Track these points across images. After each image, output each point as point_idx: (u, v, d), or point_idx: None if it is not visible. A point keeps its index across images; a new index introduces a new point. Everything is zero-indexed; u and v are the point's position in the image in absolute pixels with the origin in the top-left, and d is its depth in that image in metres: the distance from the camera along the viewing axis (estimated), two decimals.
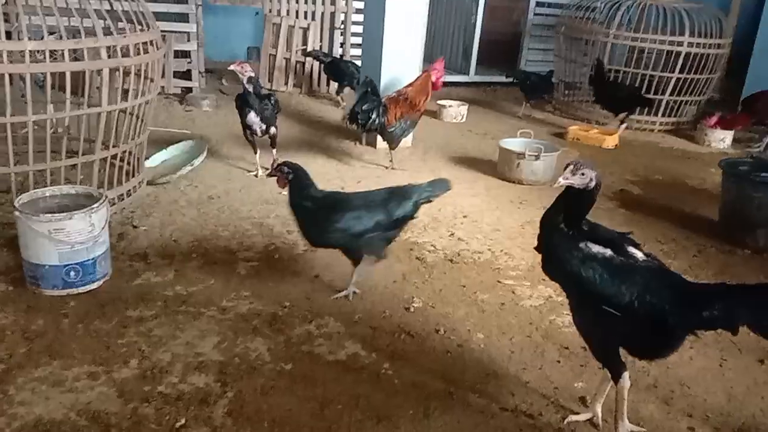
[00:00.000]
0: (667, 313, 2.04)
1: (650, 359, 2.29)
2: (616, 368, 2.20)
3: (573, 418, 2.37)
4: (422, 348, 2.73)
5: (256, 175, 4.70)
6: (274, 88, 7.47)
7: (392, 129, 5.04)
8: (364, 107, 4.93)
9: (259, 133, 4.63)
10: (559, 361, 2.71)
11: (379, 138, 5.62)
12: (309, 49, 7.57)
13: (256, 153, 4.71)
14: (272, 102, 4.64)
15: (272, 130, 4.67)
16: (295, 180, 3.08)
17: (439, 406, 2.37)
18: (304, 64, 7.66)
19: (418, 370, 2.58)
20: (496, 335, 2.88)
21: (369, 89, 5.00)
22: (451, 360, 2.67)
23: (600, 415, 2.35)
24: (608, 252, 2.14)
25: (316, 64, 7.68)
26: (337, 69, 7.08)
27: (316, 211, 3.01)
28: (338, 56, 7.66)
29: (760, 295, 2.01)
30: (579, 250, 2.15)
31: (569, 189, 2.19)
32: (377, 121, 4.98)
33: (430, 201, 3.17)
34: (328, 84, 7.82)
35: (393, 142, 5.13)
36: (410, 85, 5.20)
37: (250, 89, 4.47)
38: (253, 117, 4.53)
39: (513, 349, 2.78)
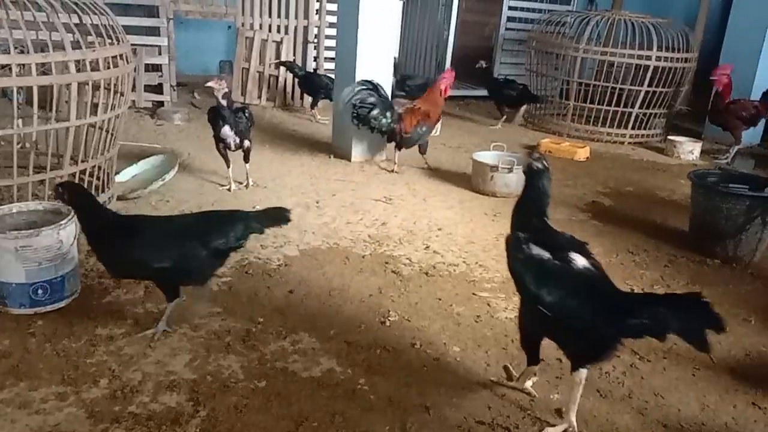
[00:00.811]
0: (589, 319, 2.15)
1: (584, 364, 2.31)
2: (528, 357, 2.48)
3: (549, 430, 2.37)
4: (398, 362, 2.71)
5: (229, 189, 4.66)
6: (247, 102, 7.44)
7: (409, 135, 5.42)
8: (369, 101, 5.26)
9: (233, 147, 4.60)
10: (534, 373, 2.70)
11: (354, 151, 5.64)
12: (283, 60, 7.56)
13: (228, 167, 4.67)
14: (246, 115, 4.61)
15: (246, 143, 4.64)
16: (74, 202, 2.76)
17: (416, 421, 2.36)
18: (277, 77, 7.65)
19: (395, 384, 2.56)
20: (471, 348, 2.87)
21: (370, 86, 5.32)
22: (428, 374, 2.65)
23: (575, 425, 2.36)
24: (546, 255, 2.27)
25: (290, 77, 7.67)
26: (312, 83, 7.10)
27: (111, 239, 2.70)
28: (312, 70, 7.68)
29: (687, 305, 2.08)
30: (521, 251, 2.32)
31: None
32: (384, 121, 5.30)
33: (262, 232, 2.88)
34: (302, 97, 7.80)
35: (408, 145, 5.50)
36: (422, 99, 5.62)
37: (225, 104, 4.44)
38: (227, 131, 4.50)
39: (489, 361, 2.78)
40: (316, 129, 6.77)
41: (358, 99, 5.27)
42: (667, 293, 2.20)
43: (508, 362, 2.77)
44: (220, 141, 4.57)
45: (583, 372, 2.28)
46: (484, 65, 7.78)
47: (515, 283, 2.40)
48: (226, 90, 4.46)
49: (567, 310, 2.19)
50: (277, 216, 2.90)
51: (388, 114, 5.33)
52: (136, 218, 3.10)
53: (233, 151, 4.64)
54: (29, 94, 3.30)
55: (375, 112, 5.27)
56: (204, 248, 2.72)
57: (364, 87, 5.32)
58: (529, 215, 2.41)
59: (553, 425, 2.39)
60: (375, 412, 2.39)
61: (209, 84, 4.40)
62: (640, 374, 2.76)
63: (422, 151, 5.60)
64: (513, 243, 2.37)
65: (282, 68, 7.53)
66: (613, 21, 7.31)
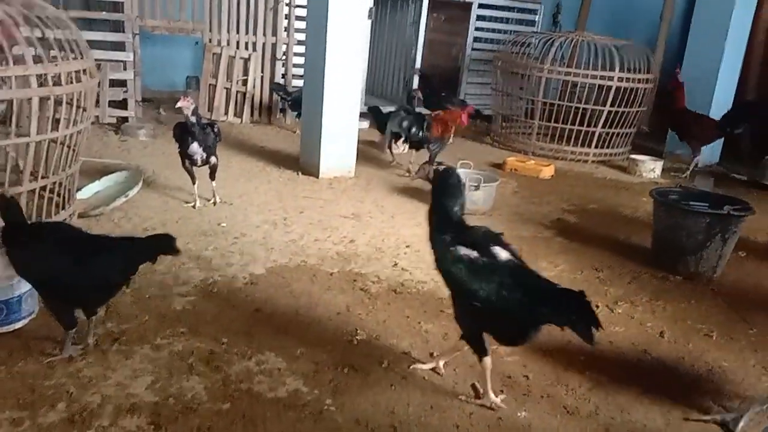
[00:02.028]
0: (518, 307, 2.35)
1: (512, 345, 2.67)
2: (479, 350, 2.57)
3: (418, 366, 2.76)
4: (366, 382, 2.69)
5: (194, 206, 4.59)
6: (213, 118, 7.37)
7: (434, 144, 5.91)
8: (404, 125, 5.83)
9: (200, 163, 4.55)
10: (502, 391, 2.71)
11: (322, 167, 5.63)
12: (250, 79, 7.54)
13: (194, 183, 4.61)
14: (214, 131, 4.57)
15: (212, 159, 4.59)
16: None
17: None
18: (245, 93, 7.61)
19: (362, 405, 2.53)
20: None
21: (403, 111, 5.93)
22: (396, 393, 2.63)
23: (442, 367, 2.76)
24: (474, 254, 2.47)
25: (257, 92, 7.65)
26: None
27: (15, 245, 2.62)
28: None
29: (579, 301, 2.25)
30: (450, 253, 2.51)
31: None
32: (420, 134, 5.86)
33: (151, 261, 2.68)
34: (269, 114, 7.78)
35: (438, 150, 5.95)
36: (446, 111, 6.16)
37: (194, 120, 4.39)
38: (195, 147, 4.44)
39: (456, 380, 2.77)
40: (284, 146, 6.73)
41: (405, 128, 5.85)
42: (566, 288, 2.38)
43: (476, 380, 2.76)
44: (186, 157, 4.52)
45: (487, 361, 2.56)
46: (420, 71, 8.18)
47: (446, 283, 2.57)
48: (194, 106, 4.42)
49: (498, 302, 2.38)
50: (160, 245, 2.64)
51: (424, 125, 5.88)
52: (45, 228, 2.90)
53: (199, 167, 4.58)
54: None
55: (414, 130, 5.87)
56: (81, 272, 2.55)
57: (402, 114, 5.90)
58: (445, 214, 2.63)
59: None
60: None
61: (179, 104, 4.35)
62: (606, 391, 2.79)
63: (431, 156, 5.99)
64: (440, 246, 2.56)
65: (250, 85, 7.51)
66: (577, 42, 7.47)
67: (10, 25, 3.23)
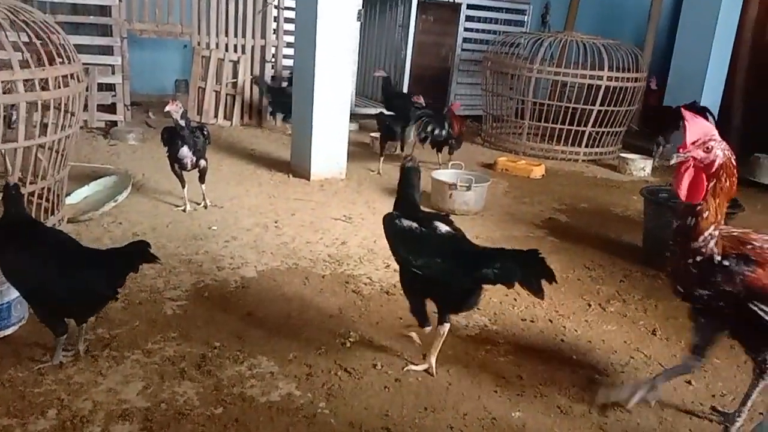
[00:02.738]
0: (452, 272, 2.57)
1: (456, 312, 2.85)
2: (420, 320, 2.81)
3: (412, 368, 2.80)
4: (359, 384, 2.68)
5: (184, 210, 4.57)
6: (203, 121, 7.35)
7: (456, 140, 6.20)
8: (429, 129, 5.97)
9: (189, 167, 4.52)
10: (495, 391, 2.71)
11: (313, 169, 5.61)
12: (239, 81, 7.52)
13: (184, 187, 4.59)
14: (204, 134, 4.55)
15: (202, 163, 4.57)
16: None
17: None
18: (234, 96, 7.59)
19: (356, 408, 2.52)
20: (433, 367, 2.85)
21: (423, 117, 6.02)
22: (389, 395, 2.62)
23: (434, 366, 2.78)
24: (414, 225, 2.71)
25: (247, 95, 7.63)
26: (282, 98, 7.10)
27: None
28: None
29: (528, 258, 2.48)
30: (394, 225, 2.76)
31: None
32: (444, 134, 6.04)
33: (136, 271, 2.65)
34: (259, 116, 7.76)
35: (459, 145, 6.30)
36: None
37: (183, 123, 4.37)
38: (185, 151, 4.43)
39: (450, 380, 2.76)
40: (275, 148, 6.72)
41: (429, 130, 5.99)
42: (513, 249, 2.66)
43: (471, 379, 2.76)
44: (176, 161, 4.49)
45: (446, 326, 2.74)
46: (383, 74, 7.97)
47: (392, 253, 2.81)
48: (183, 109, 4.40)
49: (434, 268, 2.61)
50: (139, 252, 2.59)
51: (446, 125, 6.06)
52: (39, 230, 2.81)
53: (189, 170, 4.56)
54: None
55: (437, 131, 6.03)
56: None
57: (425, 117, 6.01)
58: (406, 203, 2.87)
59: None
60: None
61: (167, 109, 4.34)
62: (600, 389, 2.79)
63: (451, 152, 6.27)
64: (387, 219, 2.82)
65: (239, 88, 7.49)
66: (566, 42, 7.50)
67: None
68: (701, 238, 2.31)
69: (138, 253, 2.59)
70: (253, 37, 7.64)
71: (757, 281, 2.27)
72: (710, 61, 7.43)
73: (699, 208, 2.31)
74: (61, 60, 3.56)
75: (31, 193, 3.63)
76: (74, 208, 4.37)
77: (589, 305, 3.61)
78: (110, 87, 6.88)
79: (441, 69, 9.62)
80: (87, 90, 5.48)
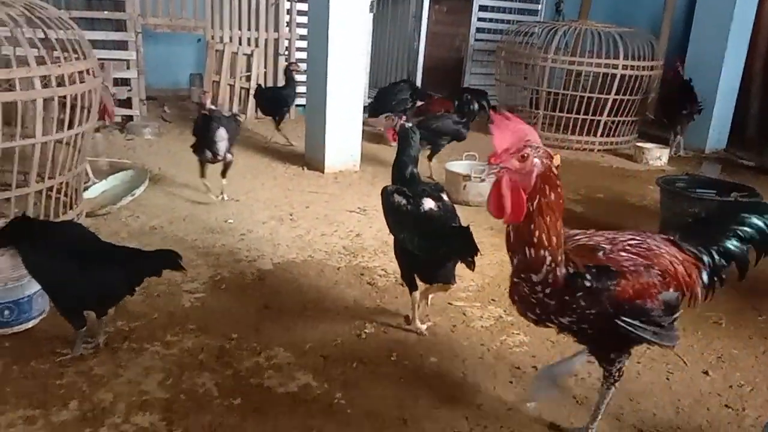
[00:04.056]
0: (421, 248, 2.76)
1: (429, 282, 2.98)
2: (409, 286, 3.00)
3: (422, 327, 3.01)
4: (375, 375, 2.70)
5: (223, 198, 4.66)
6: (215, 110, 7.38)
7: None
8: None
9: (222, 153, 4.51)
10: (511, 382, 2.71)
11: (327, 162, 5.62)
12: (253, 75, 7.52)
13: (204, 177, 4.60)
14: (237, 123, 4.60)
15: (229, 156, 4.59)
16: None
17: None
18: (248, 90, 7.61)
19: (372, 398, 2.54)
20: (448, 358, 2.87)
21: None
22: (405, 386, 2.64)
23: (422, 328, 3.03)
24: (403, 201, 2.85)
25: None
26: (274, 98, 6.81)
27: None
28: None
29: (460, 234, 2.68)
30: (386, 199, 2.95)
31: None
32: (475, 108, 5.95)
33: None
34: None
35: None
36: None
37: (215, 107, 4.43)
38: (222, 133, 4.44)
39: (465, 371, 2.77)
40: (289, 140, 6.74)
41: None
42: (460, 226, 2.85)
43: (485, 372, 2.77)
44: (209, 146, 4.46)
45: (416, 295, 2.99)
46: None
47: (387, 226, 3.02)
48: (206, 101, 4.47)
49: (408, 242, 2.82)
50: (170, 262, 2.64)
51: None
52: (57, 228, 2.89)
53: (219, 159, 4.55)
54: None
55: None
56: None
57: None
58: (403, 168, 3.00)
59: None
60: (353, 426, 2.37)
61: (199, 97, 4.40)
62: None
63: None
64: (382, 193, 2.99)
65: (253, 81, 7.50)
66: (580, 31, 7.43)
67: None
68: (544, 269, 1.94)
69: (167, 261, 2.64)
70: (266, 30, 7.65)
71: (623, 294, 1.97)
72: (727, 48, 7.32)
73: (531, 235, 1.94)
74: (76, 56, 3.60)
75: (50, 188, 3.68)
76: (92, 202, 4.42)
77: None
78: (126, 82, 6.92)
79: (454, 59, 9.58)
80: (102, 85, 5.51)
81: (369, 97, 7.45)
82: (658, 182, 4.33)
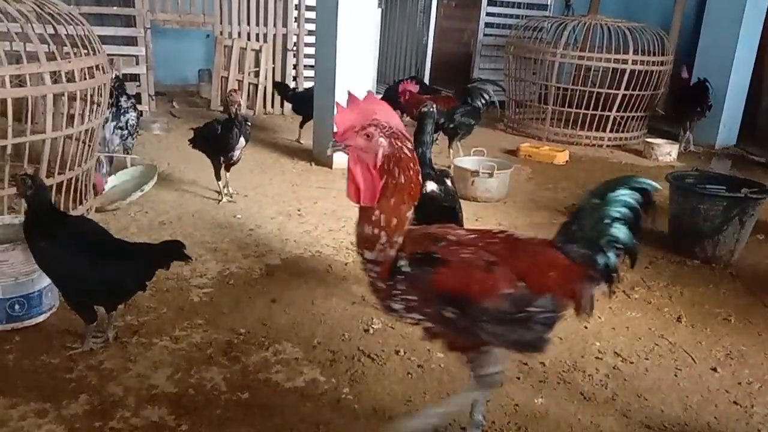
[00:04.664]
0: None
1: None
2: None
3: None
4: (383, 370, 2.70)
5: (228, 192, 4.67)
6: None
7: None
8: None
9: (237, 157, 4.56)
10: (518, 378, 2.71)
11: (336, 157, 5.63)
12: (262, 70, 7.53)
13: (220, 179, 4.61)
14: (248, 124, 4.62)
15: (239, 154, 4.62)
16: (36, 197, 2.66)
17: None
18: (257, 85, 7.62)
19: (379, 393, 2.55)
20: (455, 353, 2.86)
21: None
22: (412, 382, 2.64)
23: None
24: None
25: (269, 84, 7.64)
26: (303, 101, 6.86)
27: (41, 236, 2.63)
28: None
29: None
30: None
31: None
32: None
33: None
34: (282, 105, 7.78)
35: None
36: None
37: (243, 114, 4.44)
38: (243, 141, 4.49)
39: None
40: (297, 136, 6.74)
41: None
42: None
43: None
44: (228, 152, 4.48)
45: None
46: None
47: None
48: (240, 101, 4.48)
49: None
50: (175, 252, 2.68)
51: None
52: (70, 222, 2.86)
53: (230, 161, 4.58)
54: (0, 107, 3.24)
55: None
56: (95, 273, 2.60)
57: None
58: (417, 149, 2.84)
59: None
60: (360, 421, 2.38)
61: (234, 97, 4.39)
62: (623, 376, 2.78)
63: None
64: None
65: (261, 77, 7.52)
66: (590, 26, 7.39)
67: None
68: (377, 247, 1.90)
69: (173, 252, 2.66)
70: (275, 25, 7.66)
71: (443, 284, 1.87)
72: (738, 42, 7.26)
73: (371, 212, 1.89)
74: (86, 51, 3.61)
75: (60, 184, 3.70)
76: (102, 197, 4.45)
77: (613, 292, 3.58)
78: (135, 77, 6.95)
79: (463, 54, 9.55)
80: (111, 81, 5.54)
81: (377, 93, 7.44)
82: (667, 178, 4.31)
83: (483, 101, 5.97)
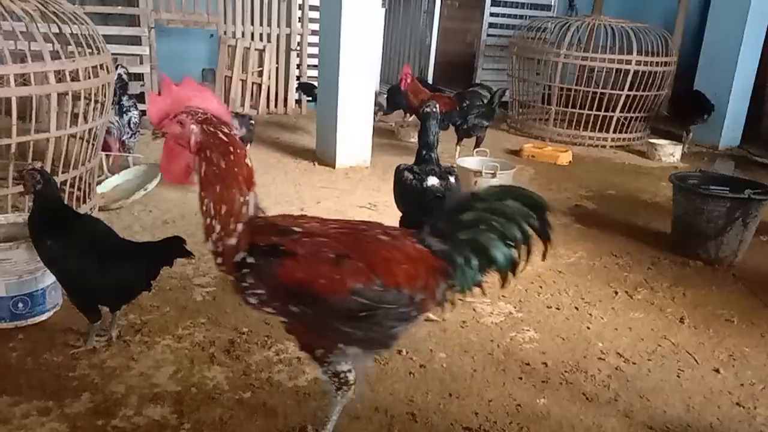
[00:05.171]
0: (411, 220, 2.79)
1: None
2: None
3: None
4: (384, 370, 2.70)
5: None
6: (229, 110, 7.41)
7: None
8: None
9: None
10: (521, 378, 2.71)
11: (338, 157, 5.64)
12: (265, 70, 7.53)
13: None
14: (252, 123, 4.63)
15: None
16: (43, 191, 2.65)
17: (403, 429, 2.35)
18: (260, 85, 7.63)
19: (381, 393, 2.55)
20: (458, 354, 2.87)
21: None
22: (414, 381, 2.64)
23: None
24: (410, 177, 3.09)
25: (273, 84, 7.65)
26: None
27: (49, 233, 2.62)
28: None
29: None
30: (396, 174, 3.19)
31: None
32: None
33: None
34: (285, 105, 7.79)
35: None
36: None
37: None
38: (248, 149, 4.48)
39: (475, 367, 2.78)
40: (300, 136, 6.76)
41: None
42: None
43: (495, 368, 2.77)
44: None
45: None
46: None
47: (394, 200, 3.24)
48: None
49: (406, 213, 3.15)
50: (177, 248, 2.66)
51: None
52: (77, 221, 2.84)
53: None
54: (5, 105, 3.25)
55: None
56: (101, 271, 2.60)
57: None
58: (421, 149, 3.16)
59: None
60: (361, 420, 2.38)
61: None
62: (626, 377, 2.78)
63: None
64: (396, 171, 3.18)
65: (265, 77, 7.53)
66: (593, 26, 7.39)
67: None
68: (214, 236, 1.86)
69: (174, 248, 2.66)
70: (279, 25, 7.66)
71: (289, 276, 1.81)
72: (743, 43, 7.24)
73: (202, 202, 1.88)
74: (90, 51, 3.62)
75: (63, 182, 3.71)
76: (105, 196, 4.46)
77: (616, 293, 3.59)
78: (139, 77, 6.96)
79: (466, 55, 9.55)
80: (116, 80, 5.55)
81: (381, 93, 7.44)
82: (671, 179, 4.30)
83: (489, 101, 6.04)
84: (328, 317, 1.85)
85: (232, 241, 1.85)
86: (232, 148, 1.84)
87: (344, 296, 1.81)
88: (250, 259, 1.83)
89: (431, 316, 3.07)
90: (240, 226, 1.85)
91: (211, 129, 1.83)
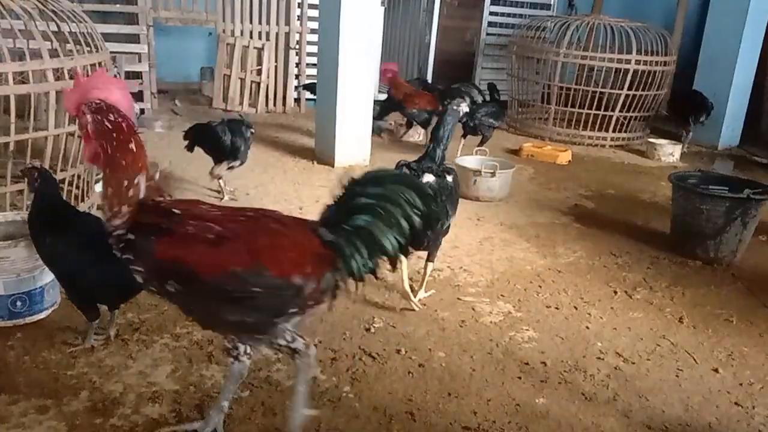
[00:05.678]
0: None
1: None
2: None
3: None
4: (383, 369, 2.70)
5: (233, 195, 4.69)
6: (228, 108, 7.41)
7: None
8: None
9: (239, 164, 4.61)
10: (519, 377, 2.71)
11: (337, 156, 5.63)
12: (264, 68, 7.53)
13: (221, 179, 4.63)
14: (252, 131, 4.65)
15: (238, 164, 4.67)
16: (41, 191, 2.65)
17: (402, 429, 2.34)
18: (259, 83, 7.62)
19: (380, 392, 2.55)
20: (457, 353, 2.87)
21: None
22: (413, 380, 2.64)
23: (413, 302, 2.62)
24: (407, 173, 3.01)
25: (272, 82, 7.64)
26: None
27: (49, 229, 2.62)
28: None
29: None
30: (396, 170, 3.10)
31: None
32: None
33: None
34: (284, 104, 7.78)
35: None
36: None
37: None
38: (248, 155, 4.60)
39: (474, 366, 2.77)
40: (299, 135, 6.75)
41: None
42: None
43: (494, 366, 2.77)
44: (234, 158, 4.53)
45: (404, 260, 2.84)
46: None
47: None
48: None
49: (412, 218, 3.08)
50: None
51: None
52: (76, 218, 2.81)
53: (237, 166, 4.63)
54: (3, 103, 3.25)
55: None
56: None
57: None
58: (430, 141, 3.16)
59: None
60: (360, 420, 2.37)
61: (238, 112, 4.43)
62: (624, 377, 2.78)
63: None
64: (395, 166, 3.12)
65: (264, 75, 7.52)
66: (593, 25, 7.39)
67: None
68: (109, 214, 1.94)
69: None
70: (278, 23, 7.66)
71: (164, 253, 1.86)
72: (742, 42, 7.24)
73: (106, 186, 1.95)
74: (89, 49, 3.61)
75: (62, 180, 3.70)
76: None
77: (615, 292, 3.59)
78: (137, 75, 6.95)
79: (466, 54, 9.53)
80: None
81: (380, 91, 7.43)
82: (670, 179, 4.30)
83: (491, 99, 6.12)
84: (205, 298, 1.89)
85: (118, 221, 1.92)
86: (115, 135, 1.93)
87: (219, 277, 1.84)
88: (128, 236, 1.90)
89: (413, 304, 3.15)
90: (125, 208, 1.92)
91: (99, 117, 1.94)
